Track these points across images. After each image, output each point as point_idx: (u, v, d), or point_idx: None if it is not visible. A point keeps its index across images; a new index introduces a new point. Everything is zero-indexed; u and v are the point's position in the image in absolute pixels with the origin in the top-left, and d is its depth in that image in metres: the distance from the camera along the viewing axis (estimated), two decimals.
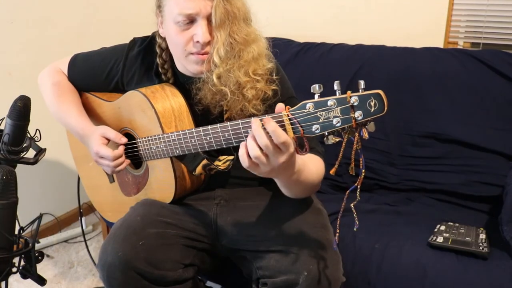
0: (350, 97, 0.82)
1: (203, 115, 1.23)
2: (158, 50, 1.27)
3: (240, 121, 0.97)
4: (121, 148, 1.24)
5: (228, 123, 0.99)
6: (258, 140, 0.89)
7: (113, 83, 1.38)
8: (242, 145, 0.93)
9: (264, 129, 0.88)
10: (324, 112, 0.86)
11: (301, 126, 0.88)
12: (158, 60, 1.28)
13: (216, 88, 1.14)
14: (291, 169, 0.98)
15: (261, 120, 0.90)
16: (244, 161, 0.93)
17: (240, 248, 1.24)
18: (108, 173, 1.33)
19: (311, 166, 1.11)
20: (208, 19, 1.11)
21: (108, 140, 1.26)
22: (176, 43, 1.17)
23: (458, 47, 2.13)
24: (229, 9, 1.09)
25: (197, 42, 1.12)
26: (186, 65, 1.19)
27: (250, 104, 1.15)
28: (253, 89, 1.14)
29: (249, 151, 0.90)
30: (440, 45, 2.10)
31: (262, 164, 0.92)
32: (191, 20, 1.12)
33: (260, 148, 0.90)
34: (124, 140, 1.25)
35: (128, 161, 1.27)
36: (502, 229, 1.39)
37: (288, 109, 0.90)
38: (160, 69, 1.29)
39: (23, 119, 1.15)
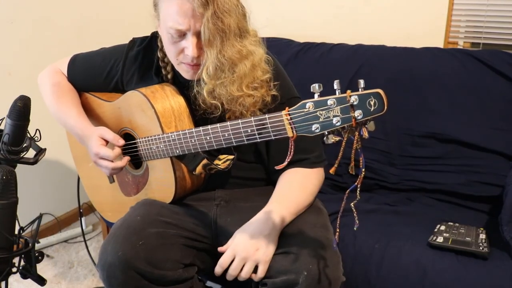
0: (350, 96, 0.82)
1: (202, 119, 1.23)
2: (159, 43, 1.27)
3: (240, 121, 0.98)
4: (117, 150, 1.24)
5: (228, 123, 1.00)
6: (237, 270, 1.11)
7: (113, 83, 1.38)
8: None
9: None
10: (324, 112, 0.86)
11: (299, 127, 0.89)
12: (158, 53, 1.28)
13: (208, 102, 1.15)
14: (268, 237, 1.11)
15: None
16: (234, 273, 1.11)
17: None
18: (106, 174, 1.33)
19: (302, 196, 1.21)
20: (198, 35, 1.10)
21: (107, 141, 1.26)
22: (169, 51, 1.18)
23: (458, 47, 2.13)
24: (220, 27, 1.07)
25: (187, 55, 1.13)
26: (179, 70, 1.21)
27: (248, 112, 1.16)
28: (250, 97, 1.14)
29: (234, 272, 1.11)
30: (440, 45, 2.10)
31: (243, 262, 1.10)
32: (182, 33, 1.12)
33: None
34: (122, 142, 1.24)
35: (127, 158, 1.27)
36: (502, 229, 1.39)
37: (288, 109, 0.90)
38: (160, 63, 1.29)
39: (23, 119, 1.15)
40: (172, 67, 1.28)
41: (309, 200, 1.23)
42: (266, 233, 1.10)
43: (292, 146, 0.91)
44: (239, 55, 1.12)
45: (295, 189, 1.22)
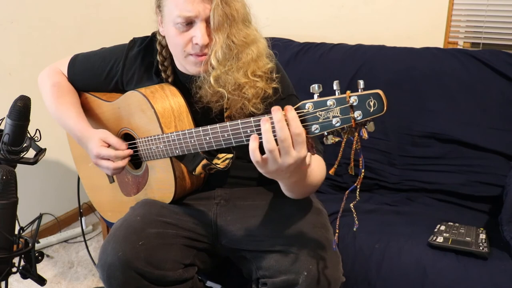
0: (350, 97, 0.83)
1: (203, 113, 1.23)
2: (158, 47, 1.27)
3: (239, 121, 0.98)
4: (127, 151, 1.24)
5: (228, 123, 1.00)
6: (279, 131, 0.87)
7: (113, 83, 1.38)
8: (253, 138, 0.90)
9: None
10: (323, 112, 0.86)
11: (304, 126, 0.88)
12: (158, 57, 1.28)
13: (213, 89, 1.14)
14: (296, 175, 0.98)
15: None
16: (255, 156, 0.90)
17: (240, 248, 1.24)
18: (108, 174, 1.33)
19: (316, 168, 1.11)
20: (207, 21, 1.11)
21: (109, 144, 1.25)
22: (175, 44, 1.17)
23: (458, 47, 2.13)
24: (228, 11, 1.09)
25: (196, 44, 1.12)
26: (185, 66, 1.20)
27: (250, 103, 1.15)
28: (252, 88, 1.14)
29: (265, 144, 0.88)
30: (440, 45, 2.10)
31: (272, 160, 0.89)
32: (190, 22, 1.12)
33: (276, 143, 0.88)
34: (125, 146, 1.24)
35: (130, 152, 1.26)
36: (502, 229, 1.39)
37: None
38: (160, 67, 1.29)
39: (23, 119, 1.15)
40: (173, 70, 1.28)
41: (319, 183, 1.15)
42: (287, 176, 0.97)
43: (313, 142, 0.91)
44: (246, 40, 1.12)
45: (316, 167, 1.12)
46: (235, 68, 1.12)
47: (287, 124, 0.87)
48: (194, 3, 1.08)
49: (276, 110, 0.88)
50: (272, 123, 0.88)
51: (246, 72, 1.13)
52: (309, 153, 0.93)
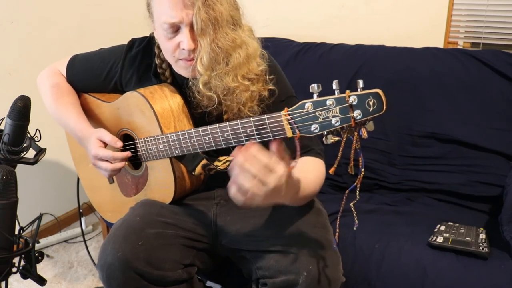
0: (349, 96, 0.83)
1: (200, 118, 1.23)
2: (156, 50, 1.27)
3: (239, 121, 0.98)
4: (125, 153, 1.24)
5: (227, 123, 1.00)
6: (249, 169, 0.87)
7: (112, 84, 1.38)
8: (231, 183, 0.90)
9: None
10: (323, 112, 0.86)
11: (298, 127, 0.89)
12: (156, 60, 1.28)
13: (203, 95, 1.14)
14: (291, 190, 0.99)
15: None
16: (239, 199, 0.91)
17: (240, 248, 1.24)
18: (105, 176, 1.33)
19: (311, 175, 1.12)
20: (192, 26, 1.10)
21: (105, 144, 1.25)
22: (165, 49, 1.18)
23: (458, 47, 2.13)
24: (212, 15, 1.07)
25: (183, 49, 1.12)
26: (177, 69, 1.21)
27: (246, 107, 1.15)
28: (246, 92, 1.14)
29: (242, 184, 0.88)
30: (440, 45, 2.10)
31: (257, 193, 0.89)
32: (176, 28, 1.12)
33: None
34: (120, 144, 1.24)
35: (127, 154, 1.26)
36: (502, 229, 1.39)
37: (287, 109, 0.90)
38: (158, 69, 1.29)
39: (23, 119, 1.15)
40: (171, 71, 1.28)
41: (318, 188, 1.17)
42: (282, 194, 0.97)
43: (299, 145, 0.91)
44: (233, 44, 1.11)
45: (310, 174, 1.14)
46: (223, 72, 1.11)
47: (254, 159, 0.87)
48: (177, 9, 1.08)
49: (237, 153, 0.89)
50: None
51: (235, 76, 1.12)
52: (295, 161, 0.92)
